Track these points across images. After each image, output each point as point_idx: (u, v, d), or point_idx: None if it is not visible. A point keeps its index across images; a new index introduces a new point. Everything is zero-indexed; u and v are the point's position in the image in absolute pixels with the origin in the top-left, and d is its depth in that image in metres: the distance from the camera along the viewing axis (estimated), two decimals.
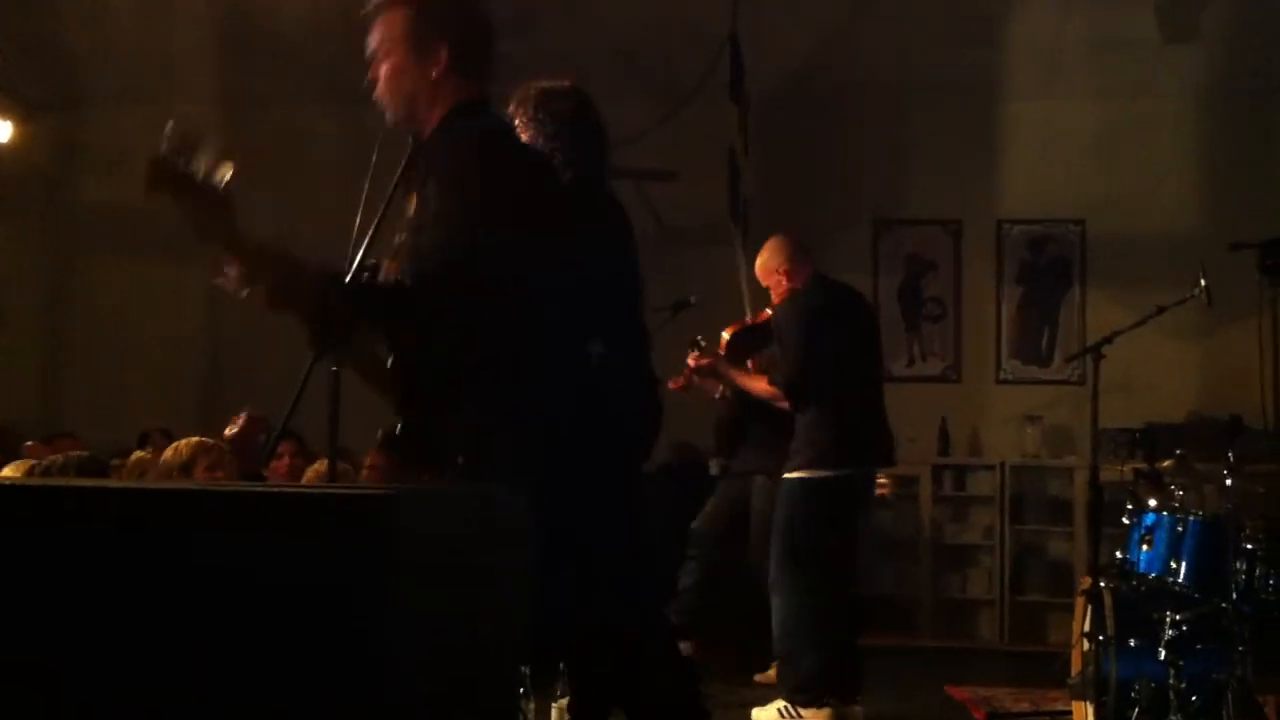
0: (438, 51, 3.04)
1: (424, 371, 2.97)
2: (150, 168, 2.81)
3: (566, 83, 3.81)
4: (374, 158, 3.30)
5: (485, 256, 2.86)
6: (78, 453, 4.57)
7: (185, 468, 4.42)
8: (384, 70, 3.07)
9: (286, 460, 6.09)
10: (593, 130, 3.80)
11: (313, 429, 4.23)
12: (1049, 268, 9.58)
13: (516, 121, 3.70)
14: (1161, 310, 6.06)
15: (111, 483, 3.26)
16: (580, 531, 3.04)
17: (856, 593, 6.50)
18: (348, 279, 2.93)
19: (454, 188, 2.90)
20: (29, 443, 6.78)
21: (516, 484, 2.72)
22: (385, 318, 2.98)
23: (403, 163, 3.32)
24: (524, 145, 3.38)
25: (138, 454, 5.11)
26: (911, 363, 9.66)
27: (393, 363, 3.06)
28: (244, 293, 2.95)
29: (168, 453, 4.58)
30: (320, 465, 5.34)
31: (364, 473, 5.70)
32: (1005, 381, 9.56)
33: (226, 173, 2.85)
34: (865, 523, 6.47)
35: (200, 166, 2.84)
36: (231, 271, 2.90)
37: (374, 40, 3.09)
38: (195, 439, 4.63)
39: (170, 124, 2.95)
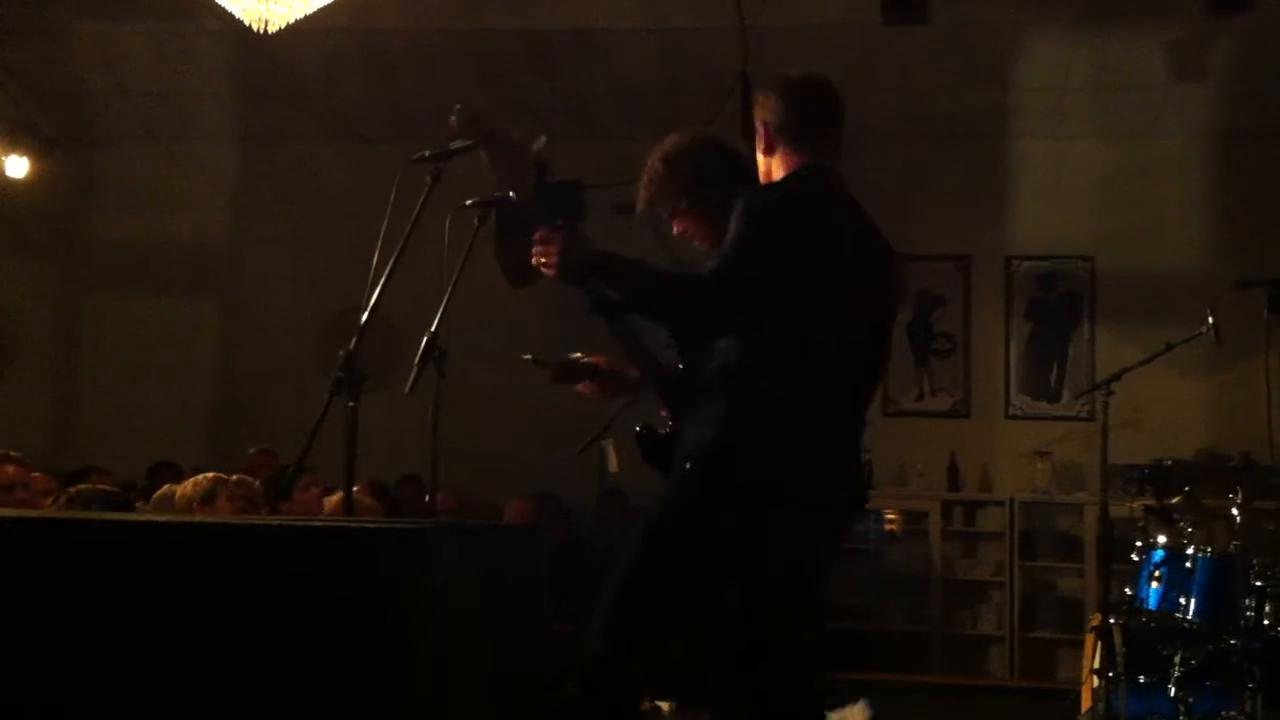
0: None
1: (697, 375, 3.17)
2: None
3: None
4: (391, 196, 3.34)
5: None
6: (103, 486, 4.60)
7: (207, 499, 4.45)
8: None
9: (314, 493, 6.12)
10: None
11: (328, 463, 4.26)
12: (1058, 304, 9.61)
13: None
14: (1170, 347, 6.09)
15: (150, 516, 3.30)
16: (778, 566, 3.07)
17: None
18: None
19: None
20: (35, 474, 6.80)
21: (728, 504, 2.93)
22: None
23: (420, 200, 3.36)
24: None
25: (168, 487, 5.14)
26: (921, 397, 9.68)
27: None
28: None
29: (186, 486, 4.61)
30: (336, 498, 5.37)
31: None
32: (1015, 417, 9.57)
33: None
34: None
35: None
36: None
37: None
38: (212, 474, 4.66)
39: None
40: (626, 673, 2.99)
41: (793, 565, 3.08)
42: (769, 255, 3.03)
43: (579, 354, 4.02)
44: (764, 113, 3.36)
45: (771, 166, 3.33)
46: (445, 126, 3.24)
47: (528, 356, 3.93)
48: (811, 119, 3.33)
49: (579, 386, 3.84)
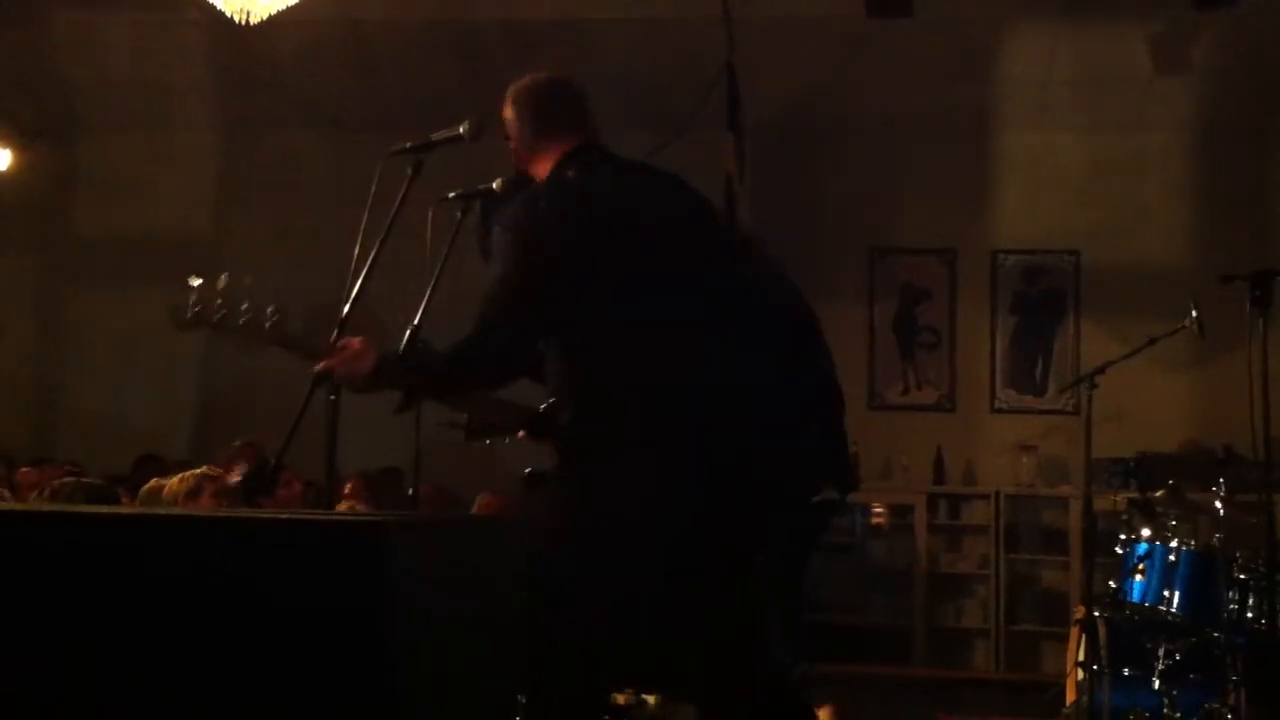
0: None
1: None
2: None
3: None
4: (373, 187, 3.32)
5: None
6: (87, 479, 4.58)
7: (192, 494, 4.45)
8: None
9: (297, 488, 6.10)
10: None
11: (309, 457, 4.23)
12: (1043, 298, 9.62)
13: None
14: (1154, 341, 6.10)
15: (130, 509, 3.28)
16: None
17: None
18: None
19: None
20: (24, 469, 6.78)
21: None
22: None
23: (401, 192, 3.34)
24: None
25: (156, 481, 5.12)
26: (906, 391, 9.68)
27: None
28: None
29: (174, 481, 4.60)
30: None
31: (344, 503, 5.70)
32: (1000, 411, 9.58)
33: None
34: None
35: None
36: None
37: None
38: (201, 469, 4.65)
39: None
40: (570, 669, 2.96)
41: (648, 588, 2.96)
42: (534, 274, 3.01)
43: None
44: (508, 131, 3.36)
45: (538, 174, 3.30)
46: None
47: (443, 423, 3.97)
48: (545, 113, 3.31)
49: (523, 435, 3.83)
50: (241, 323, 3.06)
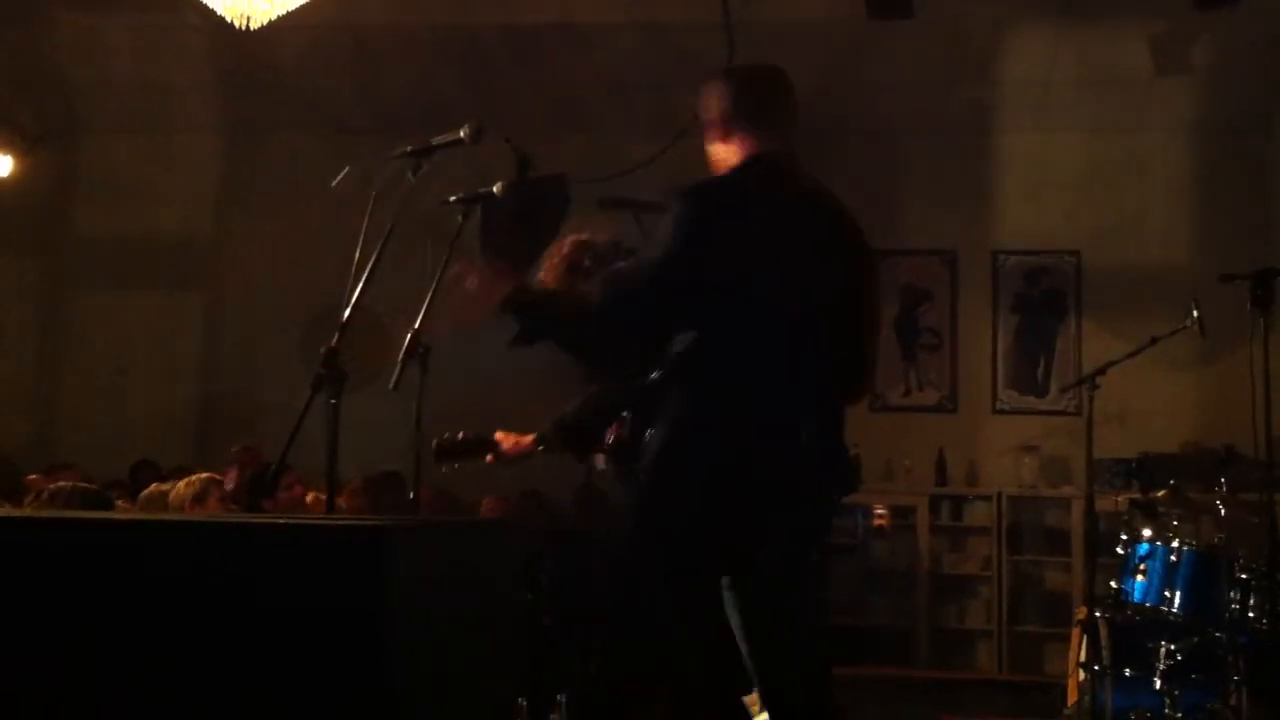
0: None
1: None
2: None
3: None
4: (373, 192, 3.33)
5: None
6: (82, 484, 4.59)
7: (199, 499, 4.46)
8: None
9: (298, 491, 6.11)
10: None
11: (309, 460, 4.24)
12: (1044, 298, 9.62)
13: None
14: (1155, 341, 6.10)
15: (134, 514, 3.28)
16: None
17: None
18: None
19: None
20: (32, 476, 6.78)
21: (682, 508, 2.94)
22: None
23: (402, 195, 3.34)
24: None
25: (156, 486, 5.13)
26: (908, 393, 9.68)
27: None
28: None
29: (180, 486, 4.61)
30: (314, 496, 5.36)
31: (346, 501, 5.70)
32: (1002, 412, 9.58)
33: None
34: None
35: None
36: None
37: None
38: (206, 474, 4.66)
39: None
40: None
41: (759, 560, 3.06)
42: (698, 255, 3.02)
43: (463, 432, 4.13)
44: (712, 102, 3.34)
45: (724, 155, 3.31)
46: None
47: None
48: (760, 103, 3.32)
49: (489, 459, 3.95)
50: None
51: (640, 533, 3.08)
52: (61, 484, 4.29)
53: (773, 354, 3.06)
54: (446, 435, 4.21)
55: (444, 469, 4.17)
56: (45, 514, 3.25)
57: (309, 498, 5.64)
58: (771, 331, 3.06)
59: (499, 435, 4.18)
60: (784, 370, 3.07)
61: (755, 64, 3.43)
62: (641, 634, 3.12)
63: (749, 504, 3.00)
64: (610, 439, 3.69)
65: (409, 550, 1.70)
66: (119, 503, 5.01)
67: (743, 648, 3.14)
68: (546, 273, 4.18)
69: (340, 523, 1.70)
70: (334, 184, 3.35)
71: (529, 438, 4.15)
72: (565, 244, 4.23)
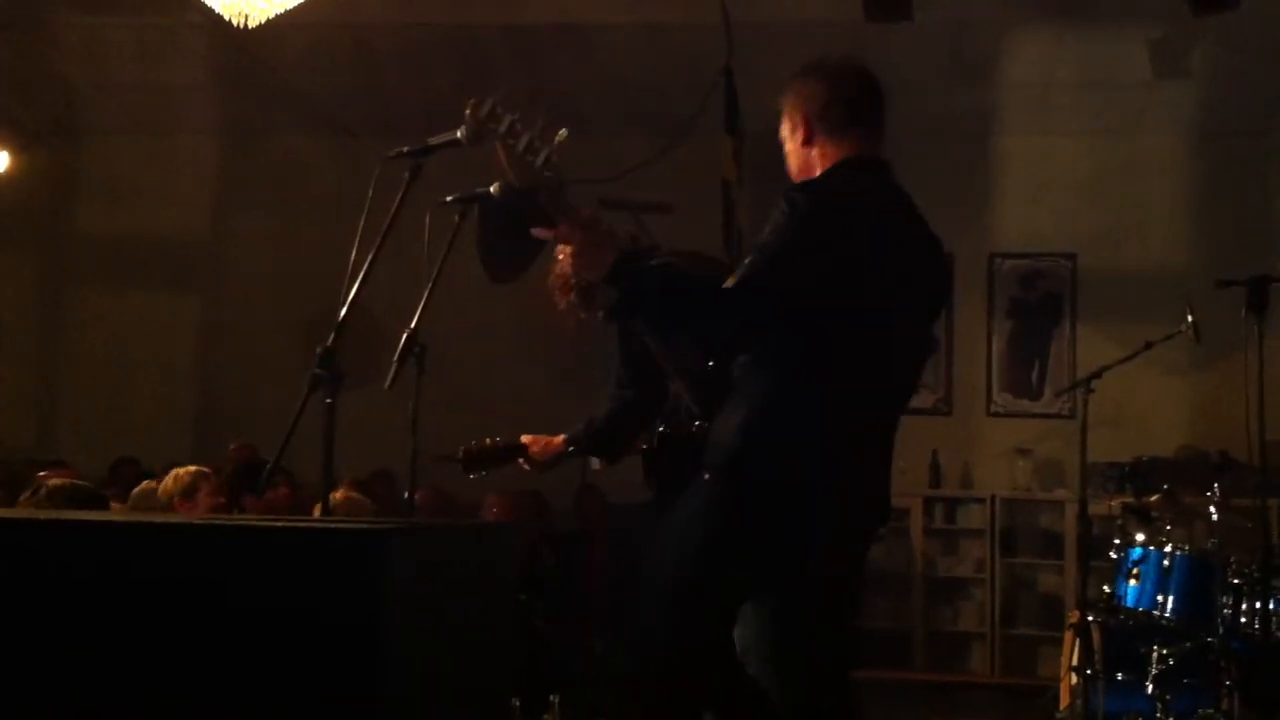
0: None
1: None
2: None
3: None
4: (370, 192, 3.33)
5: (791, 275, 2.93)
6: (81, 483, 4.58)
7: (187, 494, 4.44)
8: None
9: (283, 490, 6.11)
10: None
11: (305, 460, 4.25)
12: (1040, 302, 9.63)
13: None
14: (1150, 345, 6.12)
15: (113, 516, 3.29)
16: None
17: None
18: None
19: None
20: (41, 474, 6.77)
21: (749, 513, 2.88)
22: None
23: (399, 196, 3.35)
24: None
25: (147, 483, 5.12)
26: None
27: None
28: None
29: (168, 481, 4.60)
30: (340, 494, 5.34)
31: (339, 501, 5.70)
32: (996, 415, 9.59)
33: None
34: None
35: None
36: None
37: None
38: (195, 468, 4.65)
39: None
40: (684, 687, 2.96)
41: (813, 572, 3.03)
42: (806, 262, 2.92)
43: (490, 439, 4.09)
44: (803, 101, 3.23)
45: (811, 158, 3.22)
46: (465, 119, 3.17)
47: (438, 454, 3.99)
48: (855, 106, 3.22)
49: (523, 464, 3.92)
50: (521, 149, 2.93)
51: (697, 529, 2.98)
52: (61, 481, 4.29)
53: (858, 368, 2.99)
54: (474, 442, 4.13)
55: (473, 476, 4.13)
56: (30, 515, 3.25)
57: (337, 495, 5.62)
58: (860, 343, 2.99)
59: (526, 439, 4.11)
60: (866, 389, 3.01)
61: (846, 62, 3.31)
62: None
63: (813, 522, 2.95)
64: (641, 445, 3.66)
65: (406, 553, 1.71)
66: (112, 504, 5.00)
67: (756, 667, 3.11)
68: (559, 270, 4.08)
69: (337, 527, 1.71)
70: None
71: (559, 439, 4.07)
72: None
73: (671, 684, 2.92)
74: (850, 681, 3.33)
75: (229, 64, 9.25)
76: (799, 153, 3.25)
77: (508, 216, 3.69)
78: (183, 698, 1.61)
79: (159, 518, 3.49)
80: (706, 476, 2.98)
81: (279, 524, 1.81)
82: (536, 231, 3.00)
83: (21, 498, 4.27)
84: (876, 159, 3.23)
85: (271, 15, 5.87)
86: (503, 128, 2.99)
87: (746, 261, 3.00)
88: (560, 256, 3.93)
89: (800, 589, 3.07)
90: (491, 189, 3.68)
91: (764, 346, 2.99)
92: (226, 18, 5.85)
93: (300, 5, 6.17)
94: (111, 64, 9.60)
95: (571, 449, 4.04)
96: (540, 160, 2.95)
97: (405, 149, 3.43)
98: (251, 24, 5.80)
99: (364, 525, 1.72)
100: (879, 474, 3.12)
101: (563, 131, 2.99)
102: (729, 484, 2.95)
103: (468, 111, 3.02)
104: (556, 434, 4.09)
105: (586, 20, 8.70)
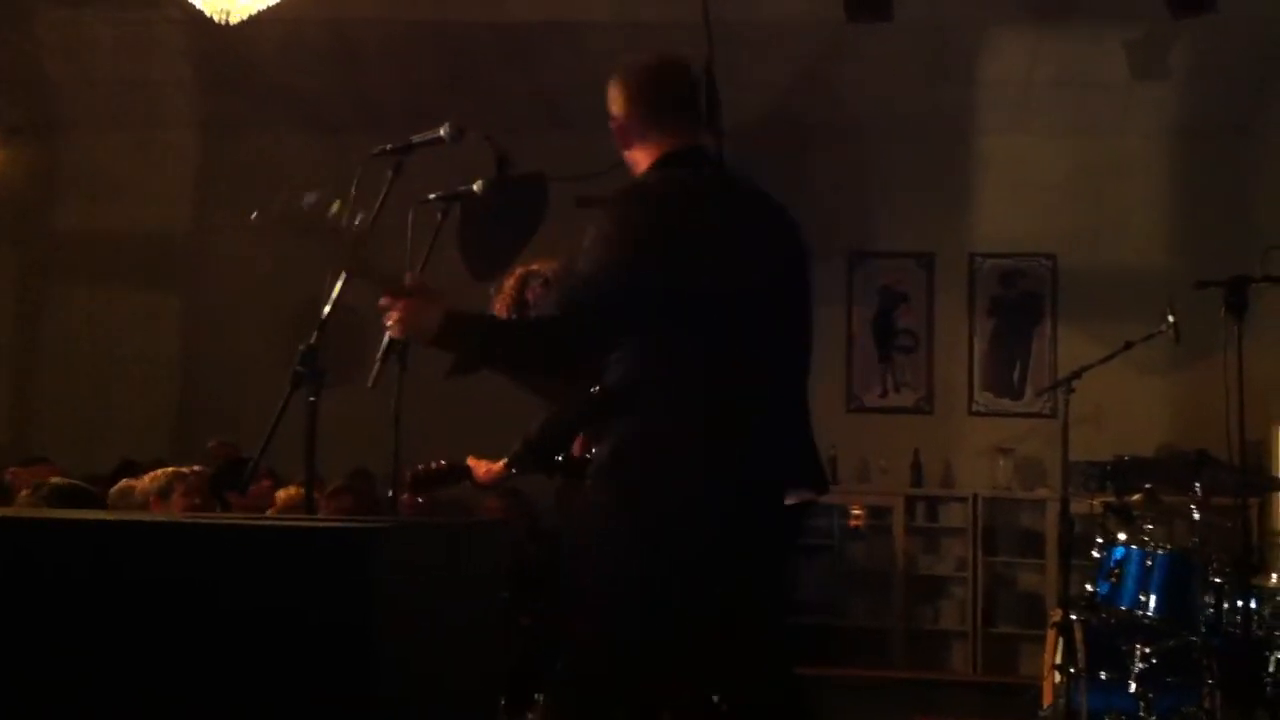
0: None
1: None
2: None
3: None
4: (353, 188, 3.32)
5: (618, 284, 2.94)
6: (79, 482, 4.57)
7: (163, 494, 4.43)
8: None
9: (266, 484, 6.10)
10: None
11: (287, 457, 4.24)
12: (1020, 301, 9.66)
13: None
14: (1130, 345, 6.14)
15: (98, 514, 3.27)
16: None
17: None
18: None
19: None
20: (11, 469, 6.75)
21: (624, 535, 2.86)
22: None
23: (382, 193, 3.34)
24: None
25: (126, 481, 5.09)
26: (884, 394, 9.71)
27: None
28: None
29: (145, 481, 4.58)
30: (290, 491, 5.34)
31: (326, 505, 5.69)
32: (978, 413, 9.62)
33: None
34: None
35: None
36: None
37: None
38: (171, 469, 4.63)
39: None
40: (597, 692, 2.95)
41: (694, 588, 2.94)
42: (632, 268, 2.92)
43: (435, 462, 4.14)
44: (612, 109, 3.25)
45: (635, 161, 3.22)
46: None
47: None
48: (658, 104, 3.21)
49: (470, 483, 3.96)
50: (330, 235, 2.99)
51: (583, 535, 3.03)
52: (55, 480, 4.27)
53: (711, 357, 2.94)
54: (421, 466, 4.23)
55: (420, 499, 4.22)
56: (12, 513, 3.23)
57: (281, 494, 5.62)
58: (708, 333, 2.94)
59: (472, 461, 4.18)
60: (725, 374, 2.95)
61: (641, 60, 3.31)
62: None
63: (695, 535, 2.89)
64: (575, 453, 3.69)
65: (396, 552, 1.70)
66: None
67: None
68: (498, 305, 4.20)
69: (325, 526, 1.70)
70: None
71: (500, 464, 4.16)
72: (514, 275, 4.23)
73: (585, 691, 2.92)
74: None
75: (210, 59, 9.21)
76: (627, 159, 3.26)
77: (490, 215, 3.69)
78: (170, 697, 1.60)
79: (142, 516, 3.47)
80: (588, 483, 3.03)
81: (266, 522, 1.80)
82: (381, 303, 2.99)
83: (19, 497, 4.25)
84: (692, 147, 3.21)
85: (254, 11, 5.84)
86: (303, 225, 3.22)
87: (567, 283, 3.03)
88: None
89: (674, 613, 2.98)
90: (474, 187, 3.68)
91: (626, 355, 2.98)
92: (209, 14, 5.83)
93: (282, 0, 6.16)
94: (92, 59, 9.55)
95: (514, 470, 4.11)
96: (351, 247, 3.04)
97: (388, 146, 3.43)
98: (233, 20, 5.78)
99: (352, 524, 1.71)
100: (772, 463, 3.01)
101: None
102: (602, 491, 2.98)
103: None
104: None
105: (569, 18, 8.69)
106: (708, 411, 2.94)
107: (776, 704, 3.13)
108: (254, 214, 3.07)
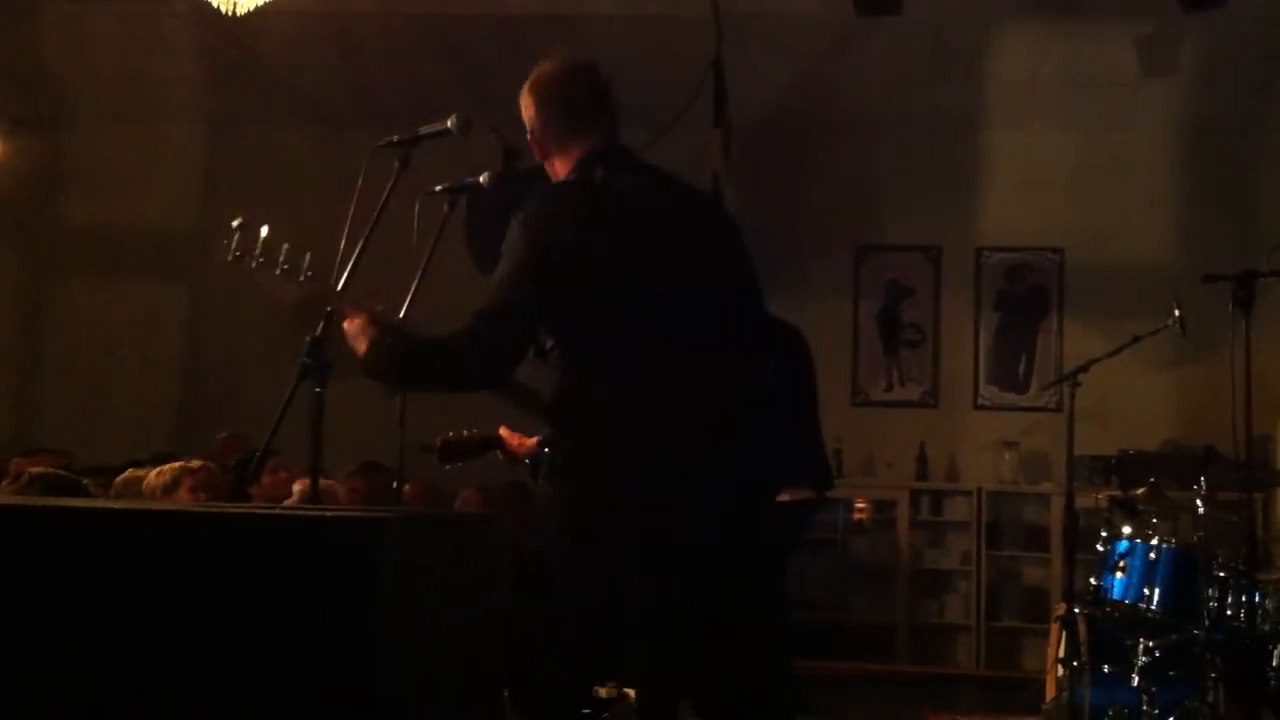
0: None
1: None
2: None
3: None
4: (359, 182, 3.32)
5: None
6: (60, 471, 4.55)
7: (169, 489, 4.42)
8: None
9: (282, 475, 6.11)
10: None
11: (293, 449, 4.24)
12: (1027, 295, 9.66)
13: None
14: (1137, 339, 6.12)
15: (94, 503, 3.27)
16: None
17: None
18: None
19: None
20: (15, 459, 6.75)
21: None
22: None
23: (388, 186, 3.34)
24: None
25: (132, 470, 5.09)
26: (890, 388, 9.71)
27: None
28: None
29: (151, 476, 4.58)
30: (303, 484, 5.35)
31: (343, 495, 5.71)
32: (983, 407, 9.62)
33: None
34: None
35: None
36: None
37: None
38: (178, 464, 4.63)
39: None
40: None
41: (627, 590, 2.96)
42: (538, 281, 2.91)
43: (467, 430, 4.08)
44: (527, 124, 3.24)
45: (555, 169, 3.20)
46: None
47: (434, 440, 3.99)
48: (565, 112, 3.18)
49: (499, 455, 3.92)
50: (277, 273, 3.02)
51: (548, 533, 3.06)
52: (49, 469, 4.26)
53: (638, 353, 2.93)
54: (451, 434, 4.13)
55: (448, 466, 4.12)
56: (14, 501, 3.23)
57: (298, 486, 5.64)
58: (634, 330, 2.93)
59: (504, 432, 4.11)
60: (653, 370, 2.93)
61: (562, 61, 3.27)
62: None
63: (621, 565, 2.93)
64: None
65: (400, 543, 1.70)
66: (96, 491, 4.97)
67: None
68: None
69: (331, 516, 1.70)
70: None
71: (533, 440, 4.08)
72: None
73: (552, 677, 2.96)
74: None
75: (215, 53, 9.21)
76: (547, 169, 3.23)
77: (496, 208, 3.68)
78: (172, 688, 1.60)
79: (143, 504, 3.47)
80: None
81: (271, 512, 1.80)
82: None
83: (4, 484, 4.24)
84: (608, 147, 3.17)
85: (260, 2, 5.84)
86: (253, 263, 3.14)
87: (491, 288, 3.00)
88: None
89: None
90: (480, 179, 3.68)
91: (557, 367, 2.98)
92: (215, 5, 5.83)
93: None
94: (97, 52, 9.55)
95: (546, 448, 4.05)
96: (301, 275, 3.08)
97: (394, 138, 3.42)
98: (239, 11, 5.78)
99: (358, 514, 1.71)
100: (714, 464, 2.98)
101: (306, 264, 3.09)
102: (555, 488, 3.01)
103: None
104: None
105: (574, 11, 8.68)
106: (643, 417, 2.92)
107: (730, 703, 3.14)
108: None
